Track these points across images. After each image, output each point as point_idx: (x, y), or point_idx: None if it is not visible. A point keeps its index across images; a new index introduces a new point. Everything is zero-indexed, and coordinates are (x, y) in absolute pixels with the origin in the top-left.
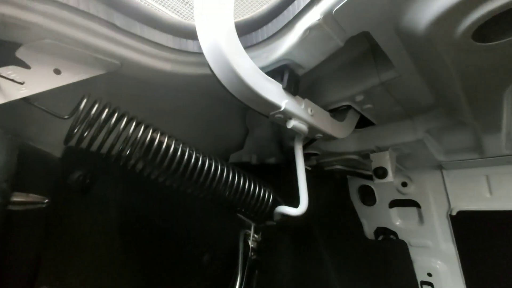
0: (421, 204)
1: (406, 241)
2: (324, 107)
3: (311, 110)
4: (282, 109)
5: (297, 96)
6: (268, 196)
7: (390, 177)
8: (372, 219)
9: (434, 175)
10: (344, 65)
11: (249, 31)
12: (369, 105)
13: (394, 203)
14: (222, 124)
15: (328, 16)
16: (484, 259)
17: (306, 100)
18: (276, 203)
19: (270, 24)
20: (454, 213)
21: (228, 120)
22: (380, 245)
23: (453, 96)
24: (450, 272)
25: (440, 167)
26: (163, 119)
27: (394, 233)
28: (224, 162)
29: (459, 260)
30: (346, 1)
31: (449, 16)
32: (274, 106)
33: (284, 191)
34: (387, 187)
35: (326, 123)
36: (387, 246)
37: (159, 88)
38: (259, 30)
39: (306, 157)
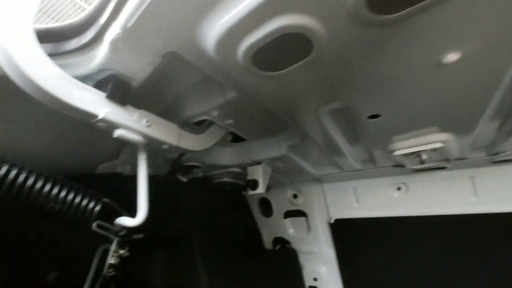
0: (308, 214)
1: (298, 248)
2: (187, 120)
3: (147, 121)
4: (100, 117)
5: (128, 106)
6: (92, 206)
7: (260, 188)
8: (270, 229)
9: (317, 188)
10: (201, 81)
11: (68, 37)
12: (230, 121)
13: (288, 214)
14: (94, 134)
15: (127, 31)
16: (357, 260)
17: (142, 111)
18: (117, 214)
19: (88, 32)
20: (332, 221)
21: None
22: (274, 254)
23: (282, 116)
24: (331, 275)
25: (320, 180)
26: (29, 130)
27: (289, 242)
28: (50, 176)
29: (337, 263)
30: (136, 19)
31: (226, 41)
32: (90, 115)
33: (155, 202)
34: (281, 199)
35: (170, 135)
36: (280, 254)
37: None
38: (78, 37)
39: (187, 169)
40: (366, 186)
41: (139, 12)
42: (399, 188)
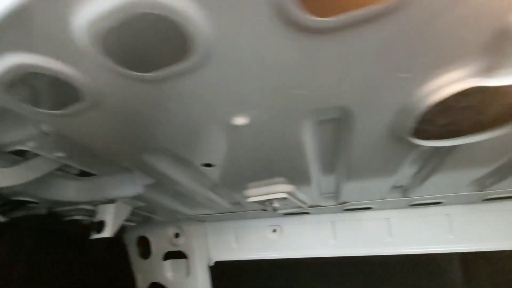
0: (188, 255)
1: None
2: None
3: None
4: None
5: None
6: None
7: (108, 231)
8: (146, 273)
9: (199, 227)
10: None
11: None
12: (60, 154)
13: (168, 255)
14: None
15: None
16: None
17: None
18: None
19: None
20: (212, 263)
21: None
22: None
23: None
24: None
25: (203, 219)
26: None
27: None
28: None
29: None
30: None
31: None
32: None
33: None
34: (162, 238)
35: None
36: None
37: None
38: None
39: (22, 204)
40: (246, 227)
41: None
42: (274, 230)
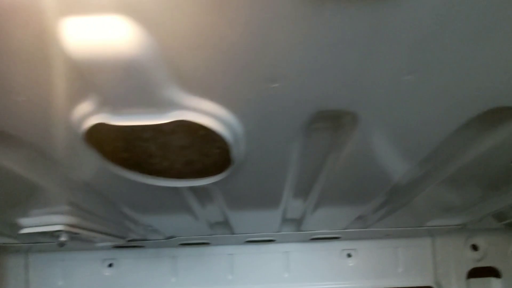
0: None
1: None
2: None
3: None
4: None
5: None
6: None
7: None
8: None
9: (18, 259)
10: None
11: None
12: None
13: None
14: None
15: None
16: None
17: None
18: None
19: None
20: None
21: None
22: None
23: None
24: None
25: (25, 249)
26: None
27: None
28: None
29: None
30: None
31: None
32: None
33: None
34: None
35: None
36: None
37: None
38: None
39: None
40: (75, 260)
41: None
42: (110, 265)
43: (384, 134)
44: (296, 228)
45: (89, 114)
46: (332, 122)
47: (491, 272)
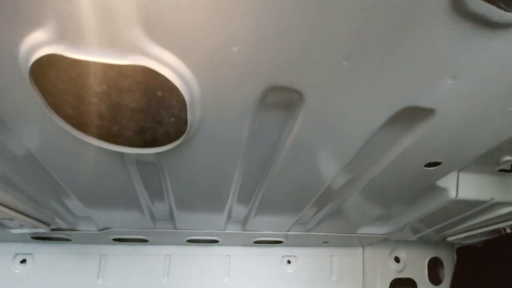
0: None
1: None
2: None
3: None
4: None
5: None
6: None
7: None
8: None
9: None
10: None
11: None
12: None
13: None
14: None
15: None
16: None
17: None
18: None
19: None
20: None
21: None
22: None
23: None
24: None
25: None
26: None
27: None
28: None
29: None
30: None
31: None
32: None
33: None
34: None
35: None
36: None
37: None
38: None
39: None
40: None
41: None
42: (23, 261)
43: (323, 121)
44: (241, 228)
45: (43, 43)
46: (283, 104)
47: (409, 283)
